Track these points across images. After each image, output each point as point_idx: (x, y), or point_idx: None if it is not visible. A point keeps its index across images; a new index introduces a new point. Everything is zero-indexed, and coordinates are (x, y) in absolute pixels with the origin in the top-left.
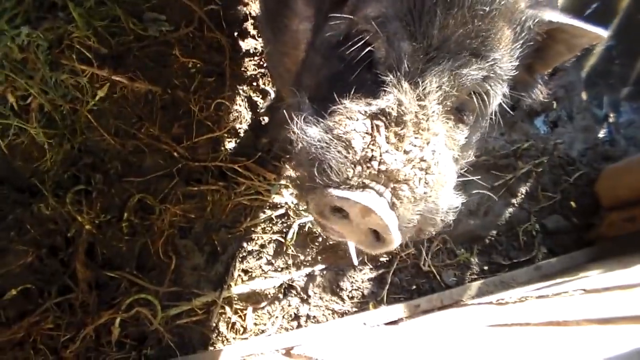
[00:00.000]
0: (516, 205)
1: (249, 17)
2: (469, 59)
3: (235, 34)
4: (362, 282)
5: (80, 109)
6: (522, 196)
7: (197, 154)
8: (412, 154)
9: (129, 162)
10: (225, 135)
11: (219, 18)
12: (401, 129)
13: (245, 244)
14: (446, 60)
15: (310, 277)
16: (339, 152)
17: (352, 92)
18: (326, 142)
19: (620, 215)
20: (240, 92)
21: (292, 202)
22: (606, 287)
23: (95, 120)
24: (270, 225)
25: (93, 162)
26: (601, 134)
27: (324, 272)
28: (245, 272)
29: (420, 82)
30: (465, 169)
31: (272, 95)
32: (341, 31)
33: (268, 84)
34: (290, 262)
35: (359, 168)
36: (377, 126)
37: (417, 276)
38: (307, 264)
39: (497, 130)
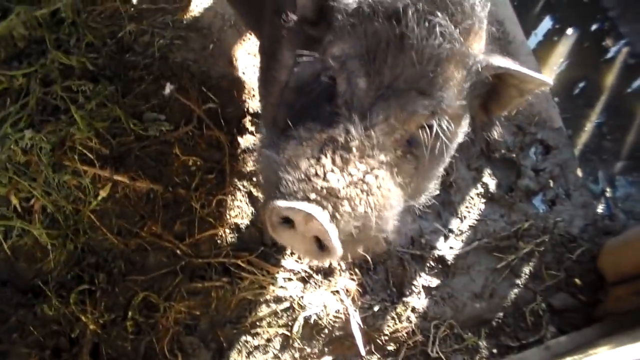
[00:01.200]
0: (521, 285)
1: (246, 114)
2: (416, 96)
3: (234, 131)
4: None
5: (82, 209)
6: (526, 276)
7: (200, 251)
8: (354, 177)
9: (132, 261)
10: (227, 231)
11: (217, 116)
12: (347, 154)
13: (251, 339)
14: (395, 97)
15: None
16: (287, 171)
17: (310, 123)
18: (277, 162)
19: (626, 289)
20: (241, 187)
21: (297, 295)
22: None
23: (98, 220)
24: (276, 319)
25: (96, 261)
26: (600, 209)
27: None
28: None
29: (368, 115)
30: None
31: None
32: (312, 70)
33: None
34: (297, 355)
35: (303, 184)
36: (325, 151)
37: None
38: (315, 356)
39: (496, 213)
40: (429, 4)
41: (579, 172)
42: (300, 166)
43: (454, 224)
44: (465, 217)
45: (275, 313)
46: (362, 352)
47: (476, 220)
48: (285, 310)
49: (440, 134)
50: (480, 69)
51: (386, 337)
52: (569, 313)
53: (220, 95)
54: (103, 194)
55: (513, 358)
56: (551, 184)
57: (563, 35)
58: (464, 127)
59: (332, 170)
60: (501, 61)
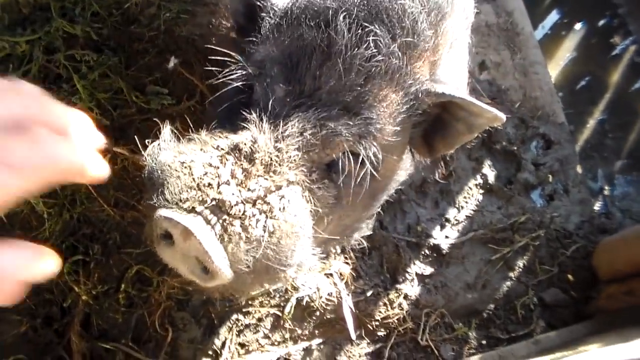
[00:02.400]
0: (514, 278)
1: None
2: (340, 113)
3: None
4: (360, 356)
5: None
6: (520, 269)
7: None
8: (254, 193)
9: (128, 234)
10: None
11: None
12: (250, 166)
13: (242, 317)
14: (314, 109)
15: (308, 351)
16: (177, 176)
17: (218, 127)
18: (170, 166)
19: (618, 288)
20: None
21: (288, 276)
22: None
23: (95, 191)
24: (268, 298)
25: (92, 232)
26: (597, 206)
27: (322, 346)
28: (242, 345)
29: (280, 125)
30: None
31: None
32: (236, 73)
33: None
34: (287, 336)
35: (192, 192)
36: (226, 159)
37: (415, 351)
38: (305, 338)
39: (494, 204)
40: (364, 11)
41: (579, 169)
42: (193, 172)
43: (451, 213)
44: (462, 207)
45: (267, 293)
46: (353, 336)
47: (473, 210)
48: (278, 290)
49: (368, 164)
50: (420, 94)
51: (377, 323)
52: (559, 308)
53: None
54: None
55: (502, 350)
56: (550, 178)
57: (571, 30)
58: (403, 164)
59: (228, 183)
60: (447, 88)
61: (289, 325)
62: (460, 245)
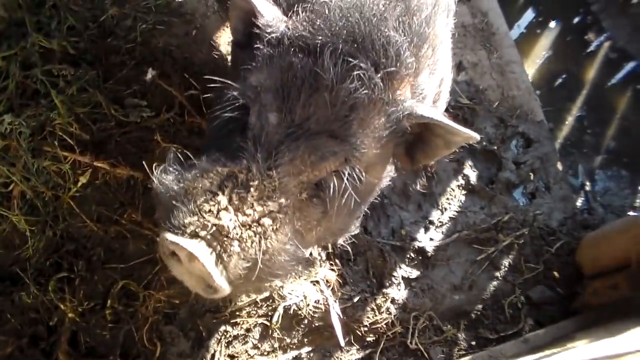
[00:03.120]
0: (500, 278)
1: None
2: (327, 140)
3: None
4: None
5: (62, 195)
6: (506, 269)
7: None
8: (250, 218)
9: (112, 249)
10: None
11: (199, 102)
12: (245, 193)
13: (230, 329)
14: (304, 138)
15: (297, 359)
16: (182, 202)
17: (216, 153)
18: (175, 191)
19: (603, 283)
20: None
21: (277, 285)
22: (594, 359)
23: (77, 207)
24: (255, 308)
25: (75, 248)
26: (579, 203)
27: (311, 354)
28: (232, 357)
29: (273, 154)
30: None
31: None
32: (231, 95)
33: None
34: (276, 345)
35: (195, 218)
36: (224, 186)
37: (405, 355)
38: (294, 347)
39: (477, 205)
40: (350, 45)
41: (559, 166)
42: (196, 199)
43: (435, 215)
44: (445, 208)
45: (255, 303)
46: (342, 342)
47: (456, 212)
48: (265, 300)
49: (352, 182)
50: (401, 117)
51: (365, 328)
52: (547, 306)
53: (202, 82)
54: (83, 180)
55: (491, 350)
56: (531, 176)
57: (546, 28)
58: (386, 173)
59: (226, 209)
60: (426, 110)
61: (278, 334)
62: (445, 246)
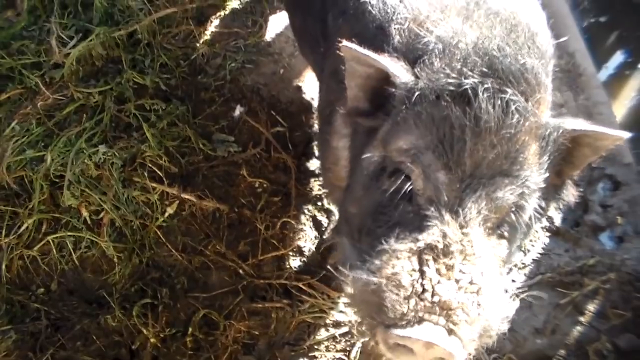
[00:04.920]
0: (585, 323)
1: (313, 138)
2: (502, 181)
3: (301, 154)
4: None
5: (149, 225)
6: (591, 314)
7: (262, 272)
8: (462, 282)
9: (195, 278)
10: (290, 253)
11: (285, 139)
12: (449, 259)
13: None
14: (481, 186)
15: None
16: (390, 291)
17: (396, 229)
18: (376, 284)
19: None
20: (306, 211)
21: (356, 320)
22: None
23: (163, 236)
24: (334, 343)
25: (160, 276)
26: None
27: None
28: None
29: (460, 211)
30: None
31: (337, 215)
32: (377, 162)
33: (332, 204)
34: None
35: (412, 303)
36: (426, 260)
37: None
38: None
39: (561, 247)
40: (497, 79)
41: None
42: (404, 283)
43: (518, 257)
44: (529, 250)
45: (333, 337)
46: None
47: (540, 254)
48: (344, 335)
49: (532, 213)
50: (556, 137)
51: None
52: (635, 354)
53: (289, 119)
54: (170, 210)
55: None
56: (619, 220)
57: (635, 69)
58: None
59: (439, 282)
60: (574, 123)
61: None
62: (528, 289)
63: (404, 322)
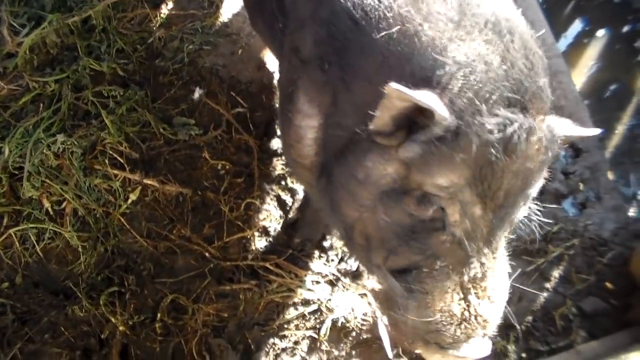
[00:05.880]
0: (550, 289)
1: (274, 118)
2: (520, 204)
3: (263, 135)
4: None
5: (113, 212)
6: (556, 280)
7: (228, 254)
8: (494, 296)
9: (162, 264)
10: (256, 234)
11: (246, 120)
12: (484, 282)
13: (279, 342)
14: (507, 214)
15: None
16: (443, 321)
17: (437, 261)
18: (431, 317)
19: None
20: (270, 191)
21: (325, 298)
22: None
23: (127, 223)
24: (304, 321)
25: (126, 264)
26: (631, 212)
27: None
28: None
29: (492, 241)
30: None
31: (301, 194)
32: (393, 180)
33: (296, 183)
34: (324, 357)
35: (463, 326)
36: (469, 289)
37: None
38: (342, 359)
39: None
40: (524, 108)
41: (610, 175)
42: (454, 312)
43: None
44: None
45: (303, 316)
46: (390, 355)
47: None
48: (313, 312)
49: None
50: (555, 147)
51: None
52: (599, 317)
53: (249, 100)
54: (133, 197)
55: None
56: (581, 186)
57: (593, 37)
58: None
59: (479, 304)
60: (565, 129)
61: (326, 347)
62: None
63: (456, 343)
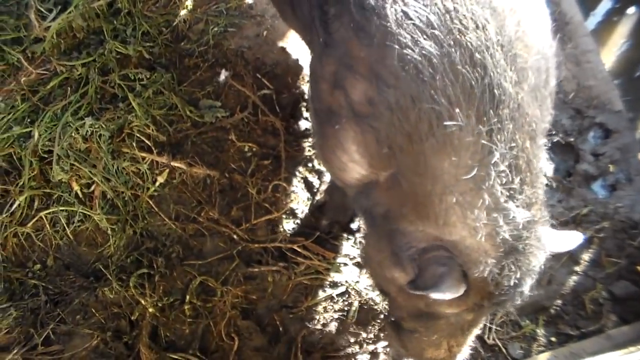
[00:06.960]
0: (580, 272)
1: (301, 100)
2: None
3: (289, 116)
4: None
5: (141, 195)
6: (586, 263)
7: (256, 236)
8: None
9: (190, 246)
10: (283, 216)
11: (272, 102)
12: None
13: (307, 324)
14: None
15: (374, 354)
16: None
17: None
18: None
19: None
20: (297, 173)
21: (353, 280)
22: None
23: (156, 206)
24: (332, 304)
25: (155, 246)
26: None
27: (387, 348)
28: (308, 352)
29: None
30: None
31: (328, 176)
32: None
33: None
34: (352, 340)
35: None
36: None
37: (482, 349)
38: (370, 342)
39: (554, 198)
40: None
41: None
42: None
43: None
44: None
45: (331, 298)
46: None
47: None
48: (341, 295)
49: None
50: None
51: None
52: (631, 301)
53: (275, 82)
54: (161, 180)
55: (572, 347)
56: (611, 168)
57: (624, 15)
58: None
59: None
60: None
61: (354, 329)
62: None
63: None
